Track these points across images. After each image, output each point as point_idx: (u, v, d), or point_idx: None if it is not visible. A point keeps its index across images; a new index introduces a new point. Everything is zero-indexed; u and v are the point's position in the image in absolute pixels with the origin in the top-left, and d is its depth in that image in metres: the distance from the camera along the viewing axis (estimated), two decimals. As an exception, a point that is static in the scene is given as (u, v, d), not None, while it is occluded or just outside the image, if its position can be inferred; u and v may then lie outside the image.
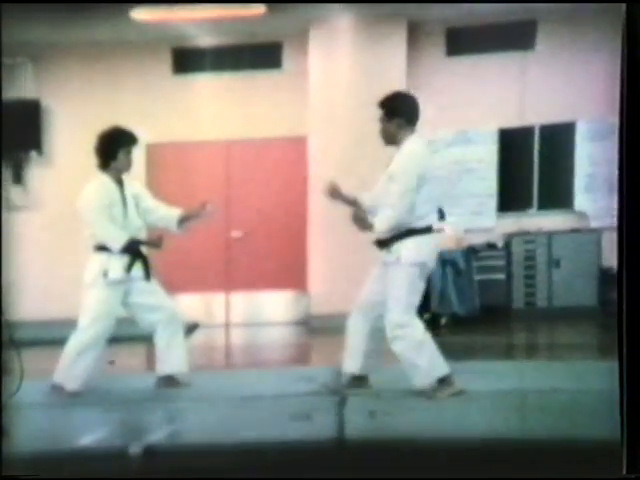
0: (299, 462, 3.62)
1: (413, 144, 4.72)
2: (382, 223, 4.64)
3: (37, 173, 9.49)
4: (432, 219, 4.78)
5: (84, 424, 4.38)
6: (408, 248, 4.63)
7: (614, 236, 10.14)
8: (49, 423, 4.37)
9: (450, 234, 9.01)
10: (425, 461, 3.60)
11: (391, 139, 4.79)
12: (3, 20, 3.80)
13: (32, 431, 3.95)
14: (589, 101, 9.18)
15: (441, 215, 9.26)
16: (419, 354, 4.61)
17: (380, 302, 4.71)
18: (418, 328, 4.70)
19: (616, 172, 9.85)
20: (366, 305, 4.84)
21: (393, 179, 4.65)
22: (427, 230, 4.70)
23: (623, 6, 3.56)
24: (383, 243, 4.73)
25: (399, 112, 4.73)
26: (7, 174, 9.11)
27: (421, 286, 4.76)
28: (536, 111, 9.31)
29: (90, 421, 4.46)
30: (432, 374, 4.61)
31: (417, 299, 4.76)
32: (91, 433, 4.08)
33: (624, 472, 3.43)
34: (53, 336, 5.48)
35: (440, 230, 8.99)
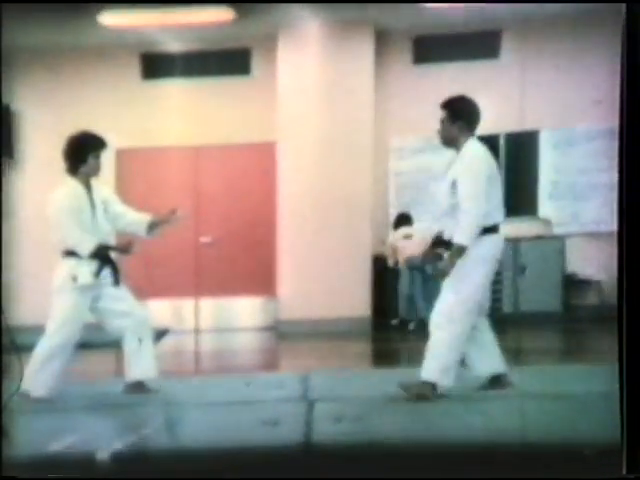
0: (267, 468, 3.65)
1: (475, 146, 4.73)
2: (463, 234, 4.59)
3: (7, 179, 9.41)
4: (499, 218, 4.75)
5: (51, 430, 4.36)
6: (485, 245, 4.63)
7: (578, 242, 10.26)
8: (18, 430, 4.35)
9: (419, 240, 9.08)
10: (394, 466, 3.64)
11: (451, 142, 4.83)
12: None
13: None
14: (553, 109, 9.34)
15: (409, 220, 9.36)
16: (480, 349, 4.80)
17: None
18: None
19: (579, 179, 9.92)
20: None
21: (460, 183, 4.64)
22: (495, 228, 4.71)
23: (623, 6, 3.59)
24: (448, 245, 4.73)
25: (462, 115, 4.77)
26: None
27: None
28: (501, 119, 9.42)
29: (57, 427, 4.44)
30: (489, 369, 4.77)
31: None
32: (58, 440, 4.07)
33: (624, 472, 3.47)
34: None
35: (409, 236, 9.14)
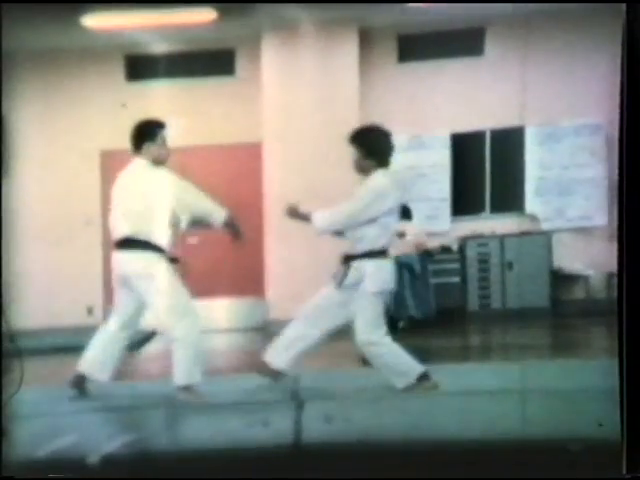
0: (258, 468, 3.64)
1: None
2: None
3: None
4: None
5: (50, 431, 4.34)
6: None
7: (564, 237, 10.30)
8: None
9: (410, 238, 9.09)
10: (384, 465, 3.64)
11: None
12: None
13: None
14: (539, 105, 9.37)
15: (408, 214, 9.33)
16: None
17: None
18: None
19: (564, 174, 9.97)
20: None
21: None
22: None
23: (623, 6, 3.60)
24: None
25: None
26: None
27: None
28: (486, 116, 9.45)
29: (57, 428, 4.42)
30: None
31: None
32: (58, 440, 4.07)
33: (624, 472, 3.48)
34: None
35: (402, 234, 9.13)
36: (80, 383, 5.07)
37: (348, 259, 4.94)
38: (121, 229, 5.05)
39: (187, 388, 5.02)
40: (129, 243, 5.02)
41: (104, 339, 5.12)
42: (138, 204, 5.02)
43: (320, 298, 5.09)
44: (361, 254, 4.89)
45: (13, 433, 3.80)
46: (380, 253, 4.92)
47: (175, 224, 5.11)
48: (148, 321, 5.16)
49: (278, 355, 5.08)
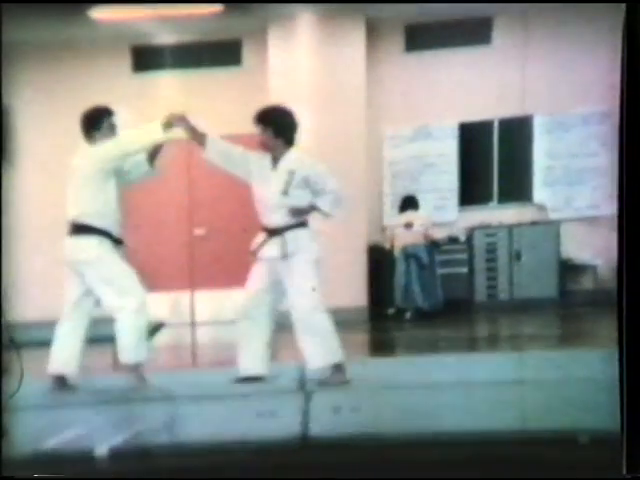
0: (265, 460, 3.64)
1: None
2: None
3: (5, 178, 9.40)
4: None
5: (50, 426, 4.35)
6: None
7: (572, 227, 10.26)
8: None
9: (418, 229, 9.08)
10: (392, 456, 3.63)
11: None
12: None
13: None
14: (547, 94, 9.32)
15: (415, 204, 9.32)
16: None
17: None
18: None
19: (573, 164, 9.93)
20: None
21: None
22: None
23: (623, 6, 3.59)
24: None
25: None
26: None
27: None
28: (494, 105, 9.41)
29: (56, 423, 4.43)
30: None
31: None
32: (57, 435, 4.07)
33: (624, 472, 3.47)
34: None
35: (409, 224, 9.12)
36: (61, 383, 5.12)
37: (280, 230, 5.02)
38: (67, 214, 5.12)
39: (134, 367, 5.08)
40: (73, 228, 5.09)
41: (62, 334, 5.16)
42: (80, 187, 5.04)
43: (252, 289, 5.14)
44: (294, 224, 5.00)
45: (13, 428, 3.80)
46: (304, 224, 5.05)
47: (122, 182, 5.19)
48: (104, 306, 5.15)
49: (252, 363, 5.08)
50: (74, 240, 5.11)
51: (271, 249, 5.03)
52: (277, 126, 5.09)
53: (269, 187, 5.05)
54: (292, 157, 5.06)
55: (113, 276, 5.08)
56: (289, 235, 4.98)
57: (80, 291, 5.16)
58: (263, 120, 5.13)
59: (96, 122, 5.19)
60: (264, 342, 5.09)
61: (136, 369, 5.10)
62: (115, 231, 5.13)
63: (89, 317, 5.21)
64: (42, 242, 8.89)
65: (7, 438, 3.73)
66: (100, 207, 5.07)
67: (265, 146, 5.15)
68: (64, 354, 5.10)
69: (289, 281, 4.97)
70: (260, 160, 5.13)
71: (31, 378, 4.46)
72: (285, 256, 4.97)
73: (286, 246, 4.97)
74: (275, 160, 5.09)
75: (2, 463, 3.62)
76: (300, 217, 5.00)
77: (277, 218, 5.03)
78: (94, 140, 5.17)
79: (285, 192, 4.99)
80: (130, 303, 5.06)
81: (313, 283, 4.96)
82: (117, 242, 5.16)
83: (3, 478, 3.59)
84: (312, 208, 5.01)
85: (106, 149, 5.11)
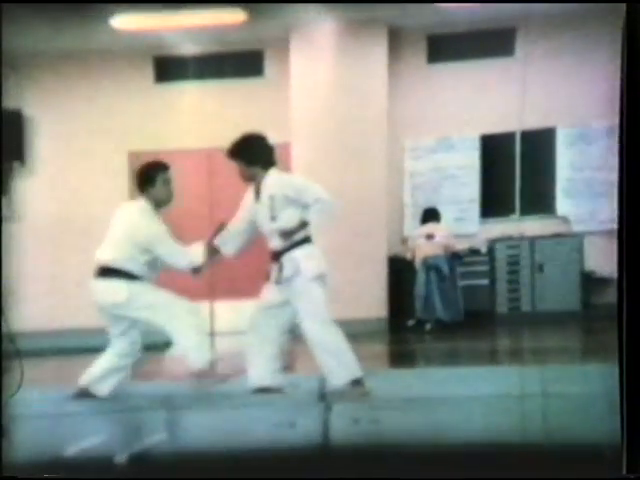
0: (284, 470, 3.61)
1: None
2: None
3: (20, 184, 9.46)
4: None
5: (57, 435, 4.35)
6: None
7: (596, 240, 10.17)
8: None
9: (440, 240, 9.05)
10: (411, 467, 3.60)
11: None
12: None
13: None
14: (570, 106, 9.27)
15: (436, 216, 9.29)
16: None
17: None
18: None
19: (596, 176, 9.87)
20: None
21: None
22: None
23: (623, 6, 3.57)
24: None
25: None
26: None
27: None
28: (517, 117, 9.36)
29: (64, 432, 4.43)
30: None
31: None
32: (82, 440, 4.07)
33: (624, 472, 3.43)
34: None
35: (431, 236, 9.09)
36: (84, 396, 5.13)
37: (278, 254, 4.97)
38: (102, 257, 5.11)
39: (202, 372, 5.11)
40: (104, 271, 5.09)
41: (107, 359, 5.19)
42: (122, 239, 5.09)
43: (263, 303, 5.11)
44: (289, 246, 4.92)
45: (17, 433, 3.80)
46: (305, 241, 4.95)
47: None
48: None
49: (258, 375, 5.06)
50: (105, 283, 5.09)
51: (272, 275, 5.02)
52: (247, 156, 5.09)
53: (259, 217, 5.05)
54: (269, 181, 5.02)
55: (153, 302, 5.12)
56: (285, 258, 4.94)
57: (123, 327, 5.16)
58: (233, 154, 5.14)
59: (151, 178, 5.19)
60: (271, 355, 5.05)
61: (203, 374, 5.11)
62: (146, 272, 5.16)
63: (136, 356, 5.24)
64: (53, 251, 8.97)
65: (7, 439, 3.73)
66: (135, 259, 5.08)
67: (244, 178, 5.16)
68: (100, 375, 5.13)
69: (295, 303, 4.93)
70: (249, 199, 5.16)
71: (32, 385, 4.46)
72: (279, 282, 4.95)
73: (282, 271, 4.94)
74: (258, 189, 5.07)
75: (2, 463, 3.62)
76: (292, 238, 4.94)
77: (274, 243, 5.01)
78: (148, 194, 5.18)
79: (273, 218, 4.97)
80: (181, 308, 5.15)
81: (318, 301, 4.88)
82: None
83: (3, 478, 3.59)
84: (303, 225, 4.93)
85: (150, 238, 5.10)
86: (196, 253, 5.27)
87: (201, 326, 5.25)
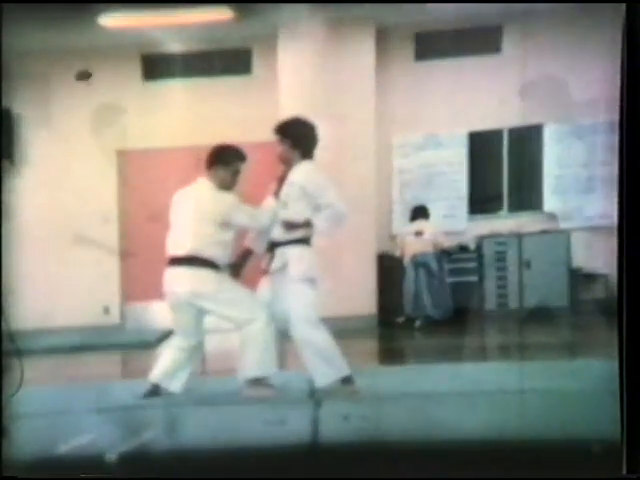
0: (274, 468, 3.63)
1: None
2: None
3: (9, 182, 9.44)
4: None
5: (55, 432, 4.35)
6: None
7: (583, 236, 10.20)
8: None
9: (428, 237, 9.07)
10: (402, 464, 3.62)
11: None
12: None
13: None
14: (556, 103, 9.29)
15: (425, 214, 9.31)
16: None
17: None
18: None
19: (583, 173, 9.89)
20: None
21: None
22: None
23: (623, 6, 3.59)
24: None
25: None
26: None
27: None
28: (504, 114, 9.40)
29: (61, 429, 4.43)
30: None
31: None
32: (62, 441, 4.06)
33: (624, 472, 3.45)
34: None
35: (420, 232, 9.12)
36: (156, 393, 5.07)
37: (274, 245, 4.97)
38: (184, 246, 5.02)
39: (257, 381, 5.00)
40: (190, 260, 4.99)
41: (172, 353, 5.13)
42: (199, 222, 5.00)
43: (259, 294, 5.13)
44: (285, 241, 4.92)
45: (18, 431, 3.80)
46: (303, 241, 4.94)
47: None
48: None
49: (253, 365, 5.04)
50: (191, 271, 5.00)
51: (263, 264, 5.02)
52: (295, 138, 5.04)
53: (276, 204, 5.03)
54: (298, 169, 5.01)
55: (235, 298, 5.05)
56: (278, 251, 4.94)
57: (194, 319, 5.12)
58: (282, 131, 5.08)
59: (227, 160, 5.16)
60: (266, 346, 5.03)
61: (260, 383, 5.01)
62: (228, 260, 5.11)
63: (203, 338, 5.24)
64: (44, 249, 8.94)
65: (7, 439, 3.73)
66: (218, 242, 5.01)
67: (281, 157, 5.10)
68: (171, 371, 5.07)
69: (283, 302, 4.91)
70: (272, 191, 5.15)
71: (33, 384, 4.46)
72: (268, 272, 4.95)
73: (271, 263, 4.95)
74: (284, 177, 5.05)
75: (2, 463, 3.62)
76: (294, 232, 4.92)
77: (274, 233, 4.99)
78: (215, 173, 5.15)
79: (285, 204, 4.95)
80: (260, 317, 5.00)
81: (306, 302, 4.86)
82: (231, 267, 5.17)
83: (3, 478, 3.59)
84: (307, 224, 4.91)
85: (225, 209, 5.05)
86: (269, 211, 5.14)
87: (270, 342, 5.01)
